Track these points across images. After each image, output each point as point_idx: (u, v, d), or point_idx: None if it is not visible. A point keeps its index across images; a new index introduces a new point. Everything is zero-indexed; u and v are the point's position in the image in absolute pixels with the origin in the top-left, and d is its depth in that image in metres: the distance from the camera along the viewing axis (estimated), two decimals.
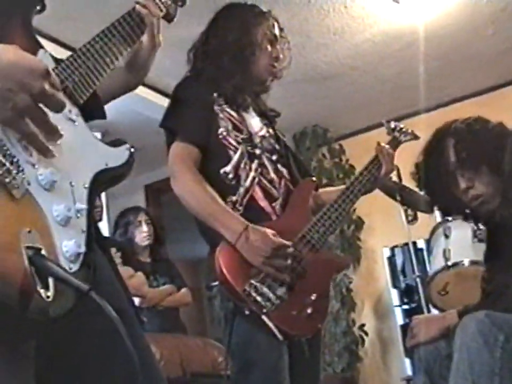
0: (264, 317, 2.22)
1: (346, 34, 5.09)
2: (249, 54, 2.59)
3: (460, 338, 2.01)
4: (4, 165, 1.19)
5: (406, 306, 6.10)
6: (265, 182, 2.49)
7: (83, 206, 1.37)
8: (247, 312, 2.22)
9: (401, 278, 6.13)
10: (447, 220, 4.15)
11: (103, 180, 1.48)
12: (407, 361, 5.79)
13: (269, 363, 2.28)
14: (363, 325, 6.40)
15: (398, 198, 3.37)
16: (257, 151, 2.53)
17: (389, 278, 6.28)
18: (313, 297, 2.36)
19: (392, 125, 3.12)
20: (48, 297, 1.16)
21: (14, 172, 1.21)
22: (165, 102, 4.44)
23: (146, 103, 5.19)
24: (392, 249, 6.25)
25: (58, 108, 1.24)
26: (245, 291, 2.21)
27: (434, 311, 4.27)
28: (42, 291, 1.15)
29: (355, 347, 6.33)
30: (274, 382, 2.27)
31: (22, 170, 1.23)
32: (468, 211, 2.73)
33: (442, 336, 2.56)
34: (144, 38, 1.94)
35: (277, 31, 2.71)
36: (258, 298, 2.21)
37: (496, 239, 2.72)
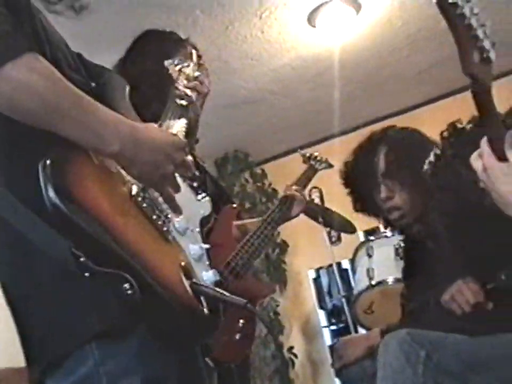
0: None
1: (264, 60, 5.11)
2: (167, 82, 2.58)
3: (383, 356, 2.03)
4: (160, 217, 1.59)
5: (333, 327, 6.10)
6: None
7: (206, 245, 1.81)
8: None
9: (327, 299, 6.14)
10: (370, 240, 4.21)
11: (202, 225, 1.88)
12: (338, 382, 5.80)
13: None
14: (292, 348, 6.40)
15: (321, 220, 3.41)
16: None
17: (316, 299, 6.29)
18: (240, 323, 2.36)
19: (307, 154, 3.19)
20: (205, 312, 1.53)
21: (167, 222, 1.61)
22: None
23: None
24: (317, 270, 6.27)
25: (191, 174, 1.67)
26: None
27: (362, 330, 4.31)
28: (203, 308, 1.52)
29: (285, 370, 6.31)
30: None
31: (169, 221, 1.64)
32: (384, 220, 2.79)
33: (367, 356, 2.58)
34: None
35: (195, 58, 2.71)
36: None
37: (413, 255, 2.77)
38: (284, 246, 6.58)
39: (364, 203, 2.82)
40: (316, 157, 3.20)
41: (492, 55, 1.47)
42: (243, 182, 6.72)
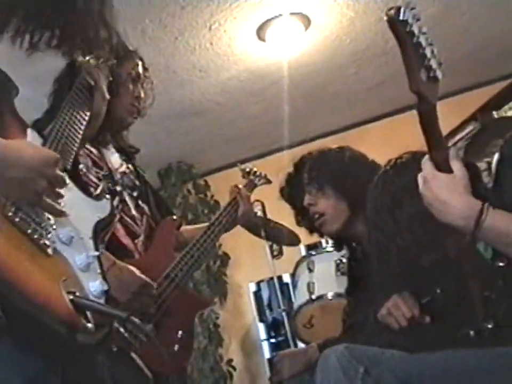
0: (133, 354, 2.19)
1: (211, 71, 5.11)
2: (113, 92, 2.56)
3: (321, 371, 2.03)
4: (37, 230, 1.53)
5: (273, 340, 6.11)
6: (126, 218, 2.47)
7: (96, 253, 1.71)
8: (115, 349, 2.18)
9: (267, 312, 6.14)
10: (311, 254, 4.23)
11: (99, 229, 1.80)
12: None
13: None
14: (231, 360, 6.38)
15: (263, 233, 3.42)
16: (118, 188, 2.51)
17: (256, 312, 6.29)
18: (179, 335, 2.35)
19: (247, 168, 3.23)
20: (90, 327, 1.48)
21: (44, 235, 1.55)
22: None
23: None
24: (258, 283, 6.26)
25: (63, 186, 1.61)
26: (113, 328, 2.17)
27: (301, 344, 4.32)
28: (85, 323, 1.48)
29: (223, 383, 6.29)
30: None
31: (49, 232, 1.58)
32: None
33: (305, 370, 2.59)
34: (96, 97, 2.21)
35: (140, 70, 2.69)
36: (127, 335, 2.18)
37: (356, 271, 2.79)
38: (225, 258, 6.57)
39: (303, 216, 2.89)
40: (255, 172, 3.25)
41: (439, 74, 1.50)
42: (185, 193, 6.69)
